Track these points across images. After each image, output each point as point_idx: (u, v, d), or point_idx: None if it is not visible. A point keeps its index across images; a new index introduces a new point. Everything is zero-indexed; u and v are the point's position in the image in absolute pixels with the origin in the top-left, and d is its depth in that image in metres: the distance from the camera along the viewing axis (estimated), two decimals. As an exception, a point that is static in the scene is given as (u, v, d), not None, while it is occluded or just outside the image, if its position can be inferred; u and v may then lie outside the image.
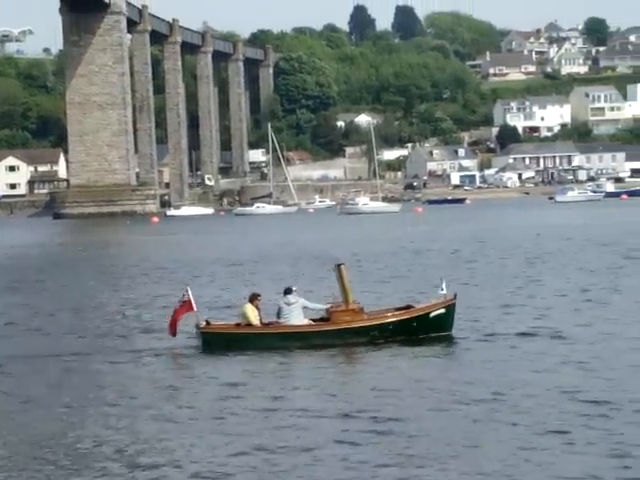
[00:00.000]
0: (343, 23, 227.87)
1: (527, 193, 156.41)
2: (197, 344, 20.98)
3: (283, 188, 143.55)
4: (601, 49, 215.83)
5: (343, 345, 20.30)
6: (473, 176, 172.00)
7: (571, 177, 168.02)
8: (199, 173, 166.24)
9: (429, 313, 20.95)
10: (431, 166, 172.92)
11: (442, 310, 21.00)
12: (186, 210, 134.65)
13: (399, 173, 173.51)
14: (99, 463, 12.92)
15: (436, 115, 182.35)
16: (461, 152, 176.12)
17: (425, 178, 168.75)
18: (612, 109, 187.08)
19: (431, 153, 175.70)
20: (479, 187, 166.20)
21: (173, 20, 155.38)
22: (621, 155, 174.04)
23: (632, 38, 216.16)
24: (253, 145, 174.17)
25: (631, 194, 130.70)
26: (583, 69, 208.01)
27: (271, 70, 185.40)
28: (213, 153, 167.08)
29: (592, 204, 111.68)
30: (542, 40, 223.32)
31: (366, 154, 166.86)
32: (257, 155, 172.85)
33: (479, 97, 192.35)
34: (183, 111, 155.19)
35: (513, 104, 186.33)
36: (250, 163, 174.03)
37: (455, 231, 65.64)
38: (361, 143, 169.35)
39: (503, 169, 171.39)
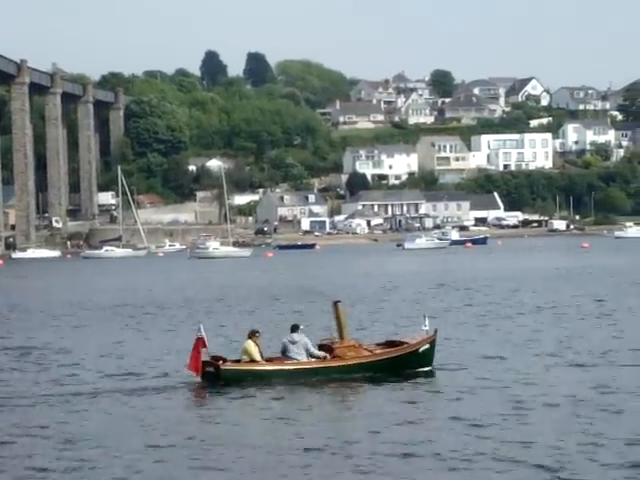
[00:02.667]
0: (195, 68, 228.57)
1: (375, 240, 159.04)
2: (200, 382, 20.96)
3: (133, 231, 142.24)
4: (447, 100, 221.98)
5: (349, 380, 20.99)
6: (323, 222, 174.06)
7: (418, 225, 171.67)
8: (47, 215, 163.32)
9: (419, 349, 21.96)
10: (282, 211, 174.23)
11: (427, 345, 22.10)
12: (32, 253, 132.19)
13: (250, 218, 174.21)
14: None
15: (287, 161, 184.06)
16: (311, 198, 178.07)
17: (276, 223, 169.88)
18: (457, 159, 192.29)
19: (282, 198, 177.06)
20: (329, 233, 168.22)
21: (21, 60, 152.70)
22: (466, 204, 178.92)
23: (476, 91, 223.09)
24: (103, 188, 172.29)
25: (475, 242, 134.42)
26: (429, 119, 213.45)
27: (122, 113, 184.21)
28: (61, 195, 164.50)
29: (438, 251, 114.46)
30: (390, 90, 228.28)
31: (217, 198, 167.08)
32: (107, 198, 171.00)
33: (329, 144, 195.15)
34: (31, 152, 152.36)
35: (362, 152, 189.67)
36: (100, 206, 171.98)
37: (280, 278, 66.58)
38: (212, 187, 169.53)
39: (352, 215, 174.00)
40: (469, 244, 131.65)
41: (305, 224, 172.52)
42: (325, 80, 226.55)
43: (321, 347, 21.77)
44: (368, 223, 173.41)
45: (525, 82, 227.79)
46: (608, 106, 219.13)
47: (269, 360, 21.40)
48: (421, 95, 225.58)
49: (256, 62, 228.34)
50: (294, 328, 21.54)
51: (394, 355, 21.76)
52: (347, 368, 21.26)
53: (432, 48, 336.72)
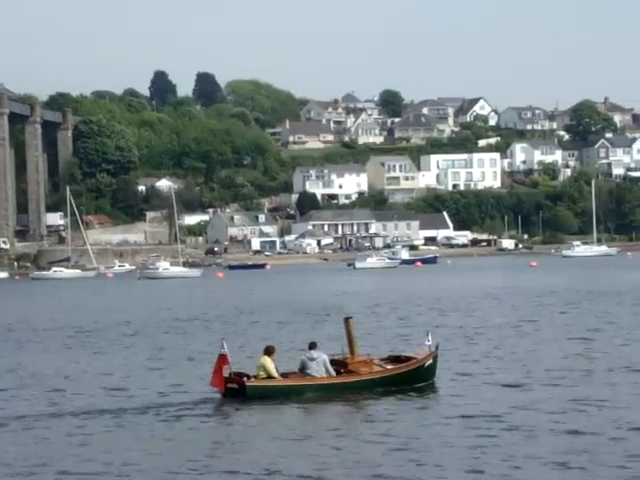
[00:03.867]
0: (144, 88, 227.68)
1: (326, 259, 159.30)
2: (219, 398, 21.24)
3: (82, 252, 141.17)
4: (396, 120, 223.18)
5: (365, 395, 21.54)
6: (273, 242, 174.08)
7: (368, 244, 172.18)
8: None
9: (425, 363, 22.84)
10: (232, 231, 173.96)
11: (431, 360, 23.12)
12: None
13: (200, 238, 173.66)
14: None
15: (237, 181, 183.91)
16: (262, 218, 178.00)
17: (226, 243, 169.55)
18: (407, 178, 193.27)
19: (232, 218, 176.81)
20: (279, 253, 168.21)
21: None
22: (415, 223, 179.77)
23: (425, 110, 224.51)
24: (51, 208, 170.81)
25: (424, 261, 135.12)
26: (379, 139, 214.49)
27: (70, 133, 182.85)
28: (9, 216, 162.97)
29: (389, 271, 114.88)
30: (340, 110, 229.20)
31: (167, 219, 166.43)
32: (55, 218, 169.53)
33: (279, 164, 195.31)
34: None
35: (312, 172, 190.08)
36: (48, 226, 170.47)
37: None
38: (162, 208, 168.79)
39: (303, 235, 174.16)
40: (419, 263, 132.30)
41: (255, 244, 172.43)
42: (274, 100, 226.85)
43: (333, 362, 22.14)
44: (318, 243, 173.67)
45: (473, 102, 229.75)
46: (555, 126, 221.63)
47: (284, 376, 21.74)
48: (370, 115, 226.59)
49: (205, 82, 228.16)
50: (312, 345, 21.94)
51: (405, 370, 22.46)
52: (364, 383, 21.84)
53: (381, 68, 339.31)
